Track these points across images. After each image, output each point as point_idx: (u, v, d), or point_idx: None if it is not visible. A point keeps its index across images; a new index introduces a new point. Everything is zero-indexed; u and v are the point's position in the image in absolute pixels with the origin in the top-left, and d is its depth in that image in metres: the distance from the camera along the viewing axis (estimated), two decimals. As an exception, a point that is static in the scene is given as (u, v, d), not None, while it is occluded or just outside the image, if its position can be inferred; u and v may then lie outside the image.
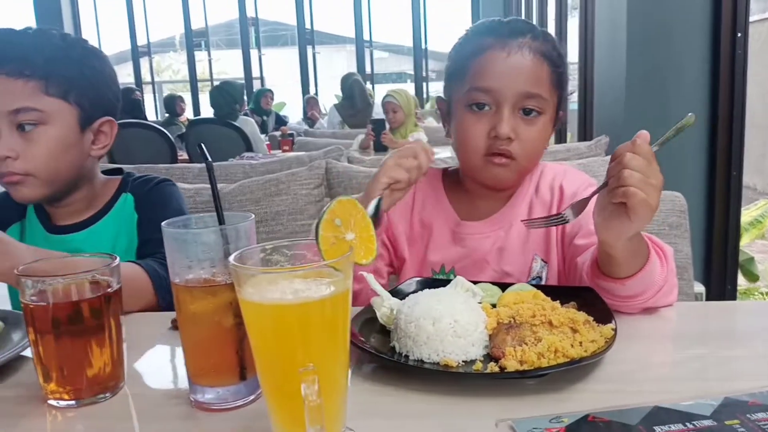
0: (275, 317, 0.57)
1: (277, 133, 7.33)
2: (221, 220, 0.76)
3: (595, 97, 3.56)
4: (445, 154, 3.34)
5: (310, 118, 8.96)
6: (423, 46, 10.70)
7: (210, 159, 0.80)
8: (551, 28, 5.24)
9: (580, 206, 0.97)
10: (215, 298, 0.72)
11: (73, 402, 0.77)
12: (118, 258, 0.79)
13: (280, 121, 8.74)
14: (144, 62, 12.14)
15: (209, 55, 12.63)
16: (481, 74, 1.12)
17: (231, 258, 0.59)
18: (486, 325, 0.83)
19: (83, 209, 1.33)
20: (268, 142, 6.73)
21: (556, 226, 1.08)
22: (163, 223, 0.72)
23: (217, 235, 0.72)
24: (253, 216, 0.74)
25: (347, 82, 5.85)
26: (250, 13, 11.93)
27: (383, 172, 1.04)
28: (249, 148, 5.75)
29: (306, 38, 11.72)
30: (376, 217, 1.00)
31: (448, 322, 0.80)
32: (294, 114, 10.98)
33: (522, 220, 1.13)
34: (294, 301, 0.56)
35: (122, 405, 0.79)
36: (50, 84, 1.19)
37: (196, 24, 11.79)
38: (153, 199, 1.35)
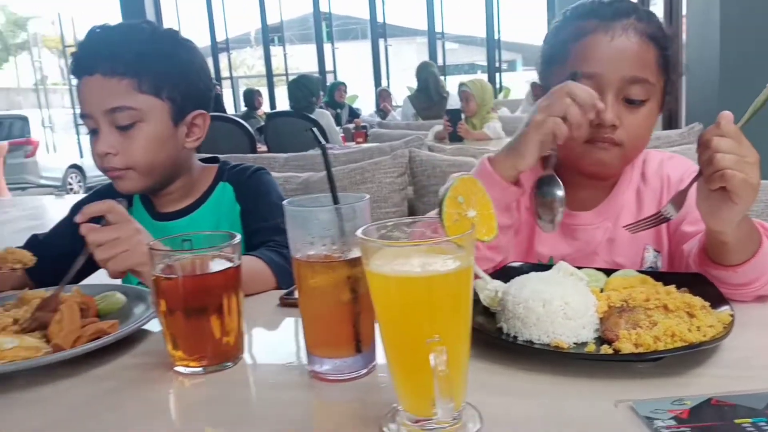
0: (402, 289, 0.59)
1: (351, 126, 7.44)
2: (336, 200, 0.79)
3: (684, 80, 3.41)
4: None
5: (382, 110, 9.02)
6: (496, 37, 10.54)
7: (323, 142, 0.83)
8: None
9: (679, 199, 0.94)
10: (334, 273, 0.75)
11: (199, 369, 0.82)
12: (239, 236, 0.84)
13: (353, 114, 8.86)
14: (222, 58, 12.53)
15: (284, 49, 12.90)
16: (584, 59, 1.08)
17: (358, 232, 0.62)
18: (597, 309, 0.83)
19: (182, 197, 1.39)
20: (342, 135, 6.83)
21: (659, 225, 1.03)
22: (284, 202, 0.76)
23: (335, 214, 0.75)
24: (368, 196, 0.77)
25: (423, 73, 5.85)
26: (323, 8, 12.10)
27: (535, 128, 0.98)
28: (325, 139, 5.86)
29: (378, 31, 11.78)
30: None
31: (559, 304, 0.80)
32: (365, 107, 11.08)
33: (624, 226, 1.08)
34: (422, 274, 0.58)
35: (243, 373, 0.84)
36: (143, 81, 1.23)
37: (271, 20, 12.07)
38: (253, 189, 1.39)
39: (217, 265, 0.82)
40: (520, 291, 0.83)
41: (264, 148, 6.06)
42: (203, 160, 1.47)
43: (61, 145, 13.99)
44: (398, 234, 0.67)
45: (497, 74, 10.58)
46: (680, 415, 0.63)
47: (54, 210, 9.09)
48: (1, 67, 22.31)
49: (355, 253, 0.75)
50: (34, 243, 1.40)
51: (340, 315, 0.76)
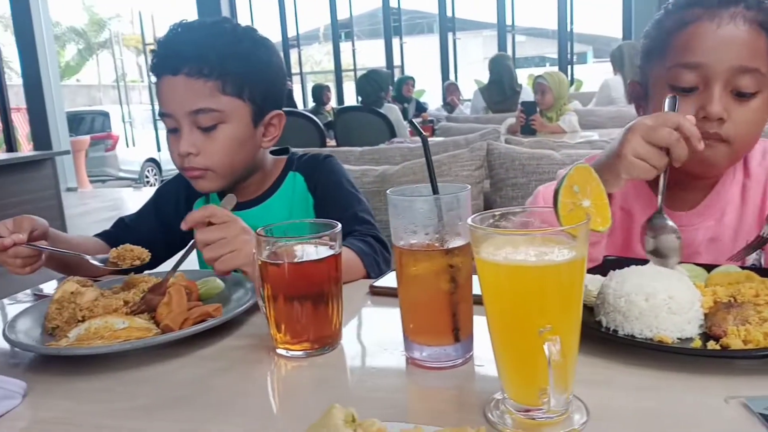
0: (516, 278, 0.60)
1: (417, 120, 7.45)
2: (435, 190, 0.80)
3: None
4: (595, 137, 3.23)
5: (449, 104, 8.97)
6: (568, 28, 10.28)
7: (424, 134, 0.84)
8: None
9: None
10: (435, 262, 0.76)
11: (300, 353, 0.85)
12: (339, 225, 0.86)
13: (420, 108, 8.84)
14: (292, 53, 12.76)
15: (353, 45, 13.01)
16: (687, 49, 1.02)
17: (469, 220, 0.62)
18: (701, 304, 0.81)
19: (257, 187, 1.41)
20: (409, 129, 6.83)
21: (762, 247, 0.98)
22: (388, 191, 0.77)
23: (438, 203, 0.76)
24: (469, 187, 0.77)
25: (497, 66, 5.77)
26: (392, 3, 12.12)
27: (628, 148, 0.92)
28: (393, 134, 5.89)
29: (447, 25, 11.70)
30: None
31: (663, 299, 0.78)
32: (432, 101, 11.04)
33: (728, 259, 1.00)
34: (537, 263, 0.58)
35: (342, 358, 0.87)
36: (226, 83, 1.22)
37: (341, 15, 12.20)
38: (325, 178, 1.40)
39: (320, 253, 0.85)
40: (621, 285, 0.81)
41: (333, 143, 6.14)
42: (274, 152, 1.48)
43: (140, 139, 14.61)
44: (505, 223, 0.67)
45: (569, 67, 10.34)
46: (799, 414, 0.61)
47: (132, 202, 9.49)
48: (84, 65, 23.48)
49: (457, 242, 0.76)
50: (120, 225, 1.48)
51: (440, 303, 0.78)
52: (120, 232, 1.44)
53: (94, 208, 9.33)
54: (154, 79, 1.28)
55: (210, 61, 1.21)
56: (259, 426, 0.70)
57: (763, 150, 1.13)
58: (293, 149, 1.52)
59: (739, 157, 1.09)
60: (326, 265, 0.84)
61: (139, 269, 1.20)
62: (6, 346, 0.97)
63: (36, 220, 1.19)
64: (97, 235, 1.44)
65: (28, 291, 1.33)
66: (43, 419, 0.75)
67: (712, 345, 0.75)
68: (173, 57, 1.23)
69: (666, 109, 0.99)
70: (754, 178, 1.12)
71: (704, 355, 0.75)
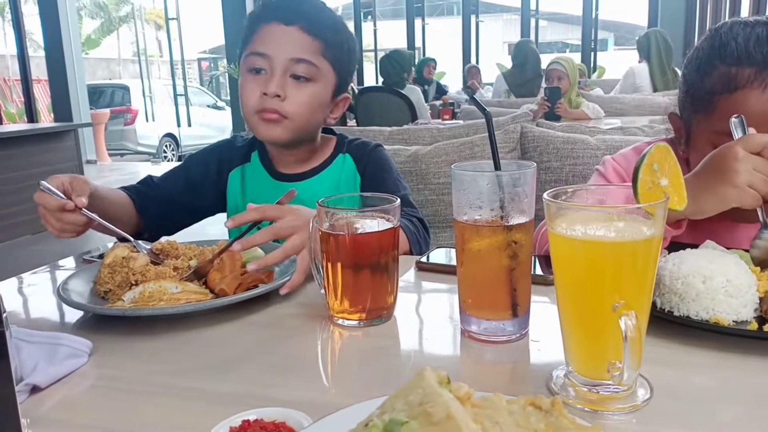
0: (593, 254, 0.61)
1: (437, 103, 7.40)
2: (497, 166, 0.81)
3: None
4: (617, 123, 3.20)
5: (469, 87, 8.91)
6: (593, 15, 10.15)
7: (487, 110, 0.85)
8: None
9: None
10: (498, 238, 0.77)
11: (356, 322, 0.87)
12: (398, 199, 0.87)
13: (441, 91, 8.80)
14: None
15: (374, 25, 12.93)
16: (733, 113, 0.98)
17: (545, 195, 0.63)
18: (758, 287, 0.81)
19: (303, 161, 1.44)
20: (429, 112, 6.81)
21: None
22: (453, 166, 0.78)
23: (504, 179, 0.77)
24: (534, 164, 0.78)
25: (522, 50, 5.73)
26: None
27: (743, 179, 0.91)
28: (414, 116, 5.87)
29: (471, 8, 11.58)
30: None
31: (720, 282, 0.79)
32: (452, 84, 10.98)
33: None
34: (615, 239, 0.59)
35: (396, 329, 0.88)
36: (328, 48, 1.32)
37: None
38: (375, 164, 1.45)
39: (379, 225, 0.86)
40: (678, 267, 0.82)
41: (353, 123, 6.14)
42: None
43: (159, 114, 14.67)
44: (577, 200, 0.68)
45: (592, 53, 10.22)
46: None
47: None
48: (105, 38, 23.52)
49: (520, 219, 0.77)
50: (148, 182, 1.48)
51: (500, 279, 0.79)
52: (146, 188, 1.45)
53: (113, 181, 9.41)
54: (260, 26, 1.32)
55: (323, 24, 1.32)
56: (321, 390, 0.72)
57: None
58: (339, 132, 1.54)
59: None
60: (385, 238, 0.86)
61: (155, 236, 1.20)
62: (53, 307, 1.00)
63: (89, 183, 1.20)
64: (124, 188, 1.43)
65: (70, 258, 1.35)
66: (110, 377, 0.77)
67: (768, 328, 0.76)
68: (290, 9, 1.32)
69: (737, 128, 0.97)
70: None
71: (762, 337, 0.75)
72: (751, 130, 0.97)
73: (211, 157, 1.51)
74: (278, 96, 1.28)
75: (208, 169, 1.49)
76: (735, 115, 0.98)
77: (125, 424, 0.65)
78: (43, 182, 1.14)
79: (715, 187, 0.95)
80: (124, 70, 21.35)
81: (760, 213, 0.98)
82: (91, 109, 11.07)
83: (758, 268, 0.87)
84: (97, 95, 13.58)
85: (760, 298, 0.81)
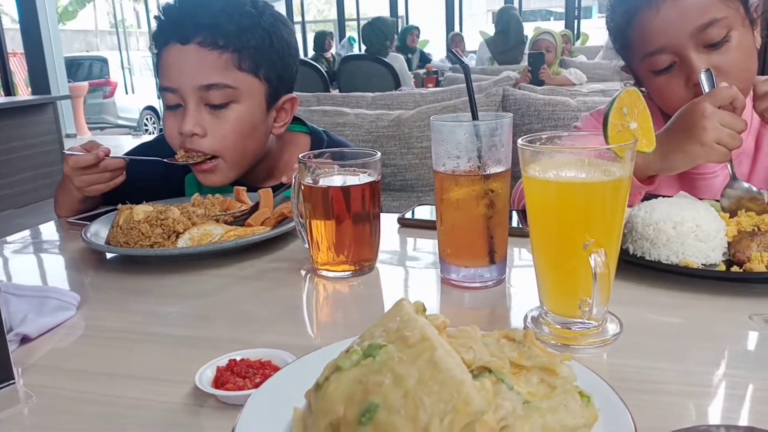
0: (564, 195, 0.63)
1: (421, 71, 7.36)
2: (476, 117, 0.82)
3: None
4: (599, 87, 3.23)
5: (453, 51, 8.85)
6: (576, -20, 10.10)
7: (466, 63, 0.86)
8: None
9: None
10: (476, 186, 0.79)
11: (340, 273, 0.89)
12: (379, 153, 0.89)
13: (424, 59, 8.74)
14: (294, 1, 12.51)
15: (356, -8, 12.77)
16: (645, 41, 1.11)
17: (519, 140, 0.65)
18: (726, 233, 0.84)
19: (268, 177, 1.28)
20: (413, 80, 6.78)
21: None
22: (432, 118, 0.80)
23: (481, 128, 0.78)
24: (511, 115, 0.80)
25: (504, 16, 5.72)
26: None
27: (711, 137, 0.95)
28: (398, 83, 5.85)
29: (452, -26, 11.46)
30: None
31: (690, 227, 0.82)
32: (436, 52, 10.90)
33: None
34: (585, 180, 0.61)
35: (378, 279, 0.91)
36: (243, 57, 1.11)
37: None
38: None
39: (360, 179, 0.88)
40: (650, 214, 0.85)
41: (336, 91, 6.10)
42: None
43: (138, 86, 14.44)
44: (551, 146, 0.70)
45: (575, 21, 10.19)
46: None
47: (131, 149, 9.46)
48: (81, 10, 22.97)
49: (496, 168, 0.79)
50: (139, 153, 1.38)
51: (477, 227, 0.81)
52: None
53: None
54: (155, 50, 1.17)
55: (227, 31, 1.10)
56: (305, 335, 0.75)
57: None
58: (311, 125, 1.37)
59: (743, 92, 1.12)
60: (366, 190, 0.87)
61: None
62: (35, 269, 1.02)
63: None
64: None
65: (51, 223, 1.35)
66: (97, 327, 0.78)
67: (735, 269, 0.79)
68: (184, 24, 1.10)
69: (705, 82, 1.03)
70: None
71: (728, 278, 0.79)
72: (723, 85, 0.99)
73: (155, 167, 1.22)
74: (197, 134, 1.12)
75: (152, 176, 1.28)
76: (704, 69, 1.02)
77: (113, 368, 0.67)
78: (65, 151, 1.19)
79: (683, 145, 0.99)
80: (101, 42, 20.90)
81: (729, 165, 1.01)
82: (69, 82, 10.87)
83: (727, 215, 0.90)
84: (74, 68, 13.30)
85: (729, 243, 0.84)
